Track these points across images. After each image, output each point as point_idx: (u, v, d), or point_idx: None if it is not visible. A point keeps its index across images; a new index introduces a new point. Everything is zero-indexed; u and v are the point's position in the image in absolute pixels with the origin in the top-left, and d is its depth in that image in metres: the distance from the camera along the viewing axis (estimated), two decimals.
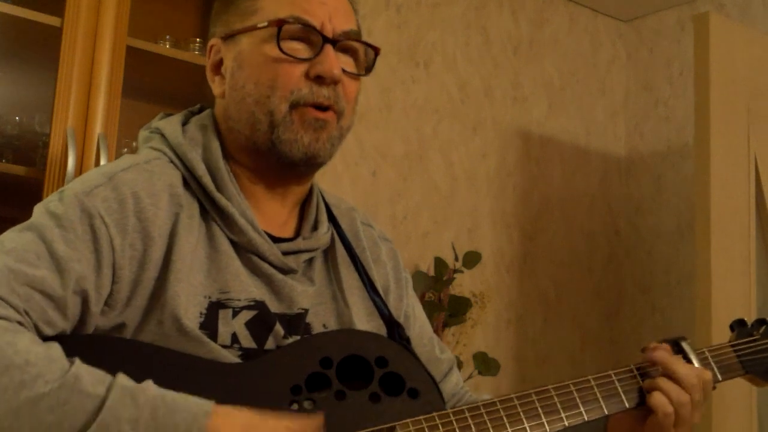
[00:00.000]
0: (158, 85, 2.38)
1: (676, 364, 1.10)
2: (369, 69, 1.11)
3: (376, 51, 1.11)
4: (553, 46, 3.52)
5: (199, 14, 2.58)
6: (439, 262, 2.89)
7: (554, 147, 3.47)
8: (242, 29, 1.07)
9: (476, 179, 3.21)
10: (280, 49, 1.03)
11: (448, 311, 2.81)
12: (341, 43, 1.07)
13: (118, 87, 2.07)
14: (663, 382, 1.08)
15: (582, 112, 3.59)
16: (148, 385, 0.85)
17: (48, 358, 0.83)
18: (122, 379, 0.84)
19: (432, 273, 2.90)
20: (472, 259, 2.91)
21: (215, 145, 1.07)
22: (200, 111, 1.16)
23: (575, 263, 3.50)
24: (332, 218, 1.18)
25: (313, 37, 1.05)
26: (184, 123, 1.12)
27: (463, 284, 3.00)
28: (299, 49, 1.05)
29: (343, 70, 1.06)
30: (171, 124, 1.10)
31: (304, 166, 1.07)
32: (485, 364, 2.80)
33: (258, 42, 1.05)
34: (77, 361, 0.84)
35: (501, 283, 3.24)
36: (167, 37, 2.31)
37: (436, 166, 3.11)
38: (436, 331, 2.79)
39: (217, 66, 1.11)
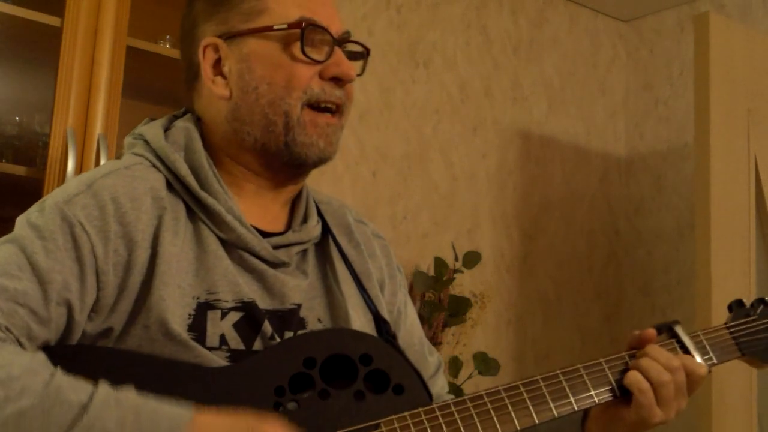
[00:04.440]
0: (158, 85, 2.37)
1: (658, 348, 1.10)
2: (362, 72, 1.14)
3: (368, 51, 1.15)
4: (553, 46, 3.52)
5: None
6: (439, 262, 2.89)
7: (554, 147, 3.47)
8: (251, 30, 1.07)
9: (476, 179, 3.21)
10: (304, 53, 1.05)
11: (448, 311, 2.81)
12: (344, 44, 1.10)
13: (118, 87, 2.07)
14: (643, 361, 1.08)
15: (582, 112, 3.59)
16: (129, 390, 0.86)
17: (30, 371, 0.83)
18: (104, 386, 0.85)
19: (432, 273, 2.91)
20: (472, 259, 2.91)
21: (198, 146, 1.07)
22: (184, 114, 1.16)
23: (575, 263, 3.50)
24: (321, 216, 1.18)
25: (324, 38, 1.07)
26: (168, 127, 1.11)
27: (463, 284, 3.00)
28: (314, 51, 1.06)
29: None
30: (153, 129, 1.10)
31: (313, 166, 1.10)
32: (485, 364, 2.80)
33: (273, 43, 1.06)
34: (58, 371, 0.85)
35: (501, 283, 3.24)
36: (167, 37, 2.31)
37: (436, 166, 3.11)
38: (436, 331, 2.80)
39: (216, 66, 1.09)
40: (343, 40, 1.09)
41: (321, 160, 1.08)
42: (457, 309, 2.82)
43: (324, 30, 1.06)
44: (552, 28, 3.52)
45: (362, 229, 1.22)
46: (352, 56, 1.13)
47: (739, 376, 2.62)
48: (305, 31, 1.05)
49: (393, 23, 3.03)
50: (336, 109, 1.09)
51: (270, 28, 1.06)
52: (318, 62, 1.06)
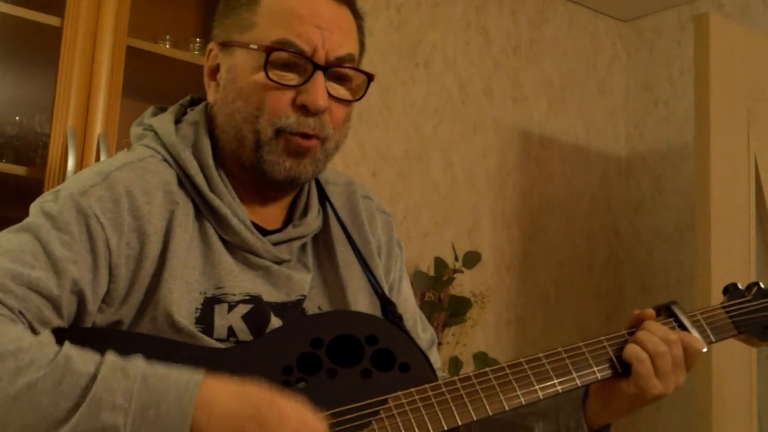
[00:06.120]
0: (158, 85, 2.38)
1: (655, 323, 1.13)
2: (362, 95, 1.11)
3: (370, 77, 1.11)
4: (553, 46, 3.52)
5: (199, 14, 2.58)
6: (439, 262, 2.89)
7: (554, 147, 3.47)
8: (238, 43, 1.07)
9: (476, 179, 3.21)
10: (268, 77, 1.03)
11: (448, 311, 2.81)
12: (333, 69, 1.06)
13: (118, 87, 2.07)
14: (640, 334, 1.12)
15: (582, 112, 3.59)
16: (137, 358, 0.86)
17: (39, 344, 0.84)
18: (111, 355, 0.85)
19: (432, 273, 2.90)
20: (472, 259, 2.91)
21: (206, 145, 1.08)
22: (191, 103, 1.17)
23: (575, 263, 3.50)
24: (327, 199, 1.18)
25: (304, 63, 1.04)
26: (177, 120, 1.12)
27: (463, 284, 2.99)
28: (288, 75, 1.04)
29: (333, 97, 1.06)
30: (163, 122, 1.10)
31: (286, 185, 1.09)
32: (485, 364, 2.80)
33: (250, 61, 1.05)
34: (66, 343, 0.86)
35: (501, 283, 3.24)
36: (167, 37, 2.31)
37: (436, 166, 3.11)
38: (436, 331, 2.80)
39: (214, 71, 1.11)
40: (331, 65, 1.06)
41: (291, 180, 1.07)
42: (457, 309, 2.82)
43: (300, 54, 1.03)
44: (552, 28, 3.52)
45: (368, 204, 1.23)
46: (346, 80, 1.09)
47: (739, 376, 2.62)
48: (271, 55, 1.03)
49: (393, 23, 3.03)
50: (312, 137, 1.06)
51: (247, 45, 1.05)
52: (291, 87, 1.04)
